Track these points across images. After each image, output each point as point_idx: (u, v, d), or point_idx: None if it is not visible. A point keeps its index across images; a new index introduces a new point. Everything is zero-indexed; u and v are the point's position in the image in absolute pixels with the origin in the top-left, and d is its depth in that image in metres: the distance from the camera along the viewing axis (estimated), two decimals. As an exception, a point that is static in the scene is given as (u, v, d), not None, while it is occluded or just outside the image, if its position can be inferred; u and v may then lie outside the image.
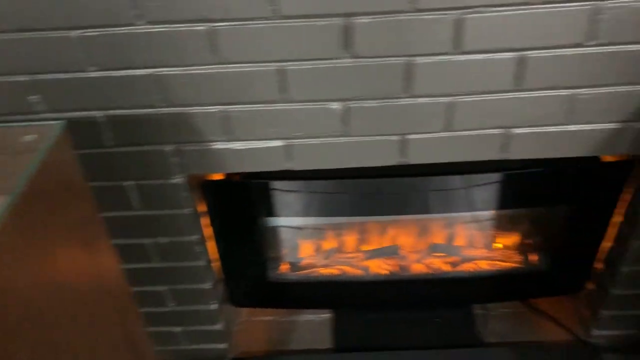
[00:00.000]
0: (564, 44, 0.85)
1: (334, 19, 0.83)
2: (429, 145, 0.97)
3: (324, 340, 1.36)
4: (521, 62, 0.87)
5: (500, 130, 0.95)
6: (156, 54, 0.86)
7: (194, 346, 1.33)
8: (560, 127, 0.95)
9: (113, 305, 0.84)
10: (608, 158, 1.09)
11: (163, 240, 1.11)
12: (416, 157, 0.99)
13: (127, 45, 0.85)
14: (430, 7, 0.82)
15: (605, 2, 0.81)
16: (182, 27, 0.83)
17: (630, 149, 0.97)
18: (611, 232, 1.18)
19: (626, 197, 1.12)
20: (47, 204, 0.64)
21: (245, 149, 0.98)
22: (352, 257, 1.29)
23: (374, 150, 0.97)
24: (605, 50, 0.86)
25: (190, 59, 0.86)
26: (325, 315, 1.41)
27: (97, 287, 0.79)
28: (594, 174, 1.09)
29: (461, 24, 0.83)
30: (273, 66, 0.88)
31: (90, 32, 0.83)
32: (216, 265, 1.25)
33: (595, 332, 1.30)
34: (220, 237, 1.19)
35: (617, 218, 1.16)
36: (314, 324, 1.40)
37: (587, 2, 0.81)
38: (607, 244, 1.21)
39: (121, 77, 0.88)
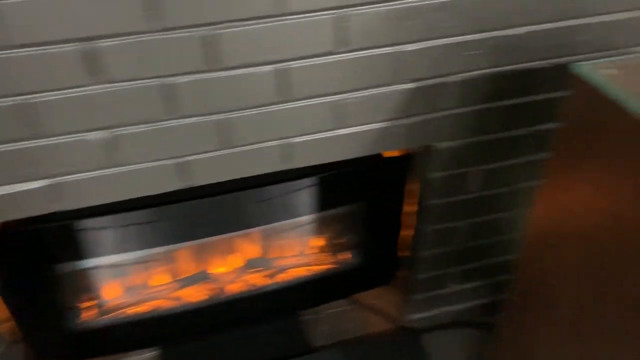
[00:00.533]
0: (318, 53, 0.86)
1: (73, 44, 0.75)
2: (209, 164, 0.94)
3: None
4: (281, 74, 0.87)
5: (278, 141, 0.95)
6: None
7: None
8: (334, 131, 0.97)
9: None
10: (389, 154, 1.15)
11: None
12: (200, 179, 0.95)
13: None
14: (178, 26, 0.78)
15: (349, 9, 0.83)
16: None
17: (403, 144, 1.03)
18: (410, 221, 1.25)
19: (415, 187, 1.20)
20: None
21: (5, 194, 0.87)
22: (164, 290, 1.21)
23: (151, 177, 0.92)
24: (359, 55, 0.89)
25: None
26: (151, 353, 1.32)
27: None
28: (379, 170, 1.14)
29: (214, 40, 0.80)
30: (19, 101, 0.78)
31: None
32: (7, 325, 1.10)
33: (411, 316, 1.37)
34: (9, 293, 1.06)
35: (412, 207, 1.23)
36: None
37: (332, 11, 0.83)
38: (409, 232, 1.28)
39: None
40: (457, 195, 1.15)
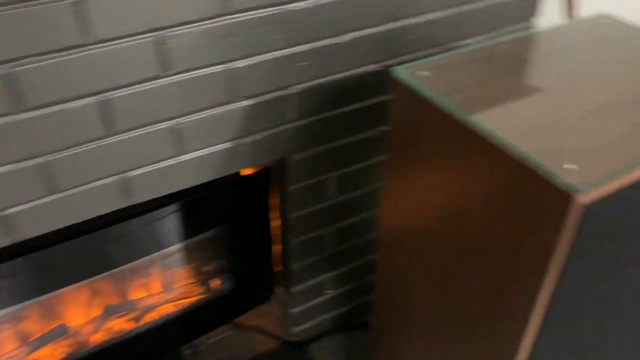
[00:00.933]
0: (141, 79, 0.81)
1: None
2: (36, 215, 0.84)
3: None
4: (104, 105, 0.80)
5: (114, 177, 0.88)
6: None
7: None
8: (175, 159, 0.91)
9: None
10: (246, 171, 1.12)
11: None
12: (28, 232, 0.86)
13: None
14: (-34, 66, 0.69)
15: (165, 31, 0.79)
16: None
17: (250, 162, 1.00)
18: (278, 235, 1.23)
19: (277, 202, 1.18)
20: None
21: None
22: (16, 356, 1.08)
23: (-33, 238, 0.81)
24: (188, 77, 0.85)
25: None
26: None
27: None
28: (237, 189, 1.11)
29: (15, 78, 0.72)
30: None
31: None
32: None
33: (295, 329, 1.36)
34: None
35: (277, 222, 1.21)
36: None
37: (146, 34, 0.78)
38: (278, 247, 1.26)
39: None
40: (318, 203, 1.15)
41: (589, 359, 0.78)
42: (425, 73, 0.70)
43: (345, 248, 1.27)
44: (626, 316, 0.75)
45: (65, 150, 0.81)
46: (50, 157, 0.80)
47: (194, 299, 1.24)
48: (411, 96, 0.68)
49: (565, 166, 0.54)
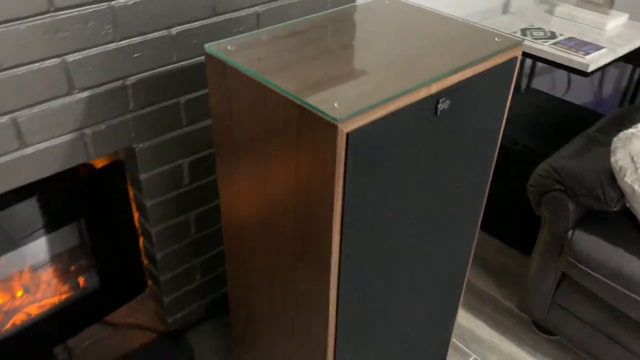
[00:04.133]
0: (-32, 74, 0.85)
1: None
2: None
3: None
4: None
5: (-48, 174, 0.90)
6: None
7: None
8: (15, 153, 0.95)
9: None
10: (100, 164, 1.17)
11: None
12: None
13: None
14: None
15: (-11, 27, 0.84)
16: None
17: (95, 153, 1.05)
18: (139, 225, 1.29)
19: (133, 193, 1.23)
20: None
21: None
22: None
23: None
24: (19, 72, 0.90)
25: None
26: None
27: None
28: (92, 182, 1.16)
29: None
30: None
31: None
32: None
33: (170, 319, 1.41)
34: None
35: (136, 214, 1.27)
36: None
37: (-29, 31, 0.82)
38: (141, 240, 1.31)
39: None
40: (173, 190, 1.22)
41: (385, 268, 0.93)
42: (233, 48, 0.81)
43: (209, 233, 1.35)
44: (407, 231, 0.91)
45: None
46: None
47: (59, 298, 1.26)
48: (221, 67, 0.79)
49: (334, 105, 0.68)
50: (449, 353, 1.44)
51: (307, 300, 0.87)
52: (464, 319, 1.53)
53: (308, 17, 0.96)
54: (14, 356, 1.21)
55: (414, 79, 0.74)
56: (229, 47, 0.82)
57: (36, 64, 0.91)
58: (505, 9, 1.96)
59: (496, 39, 0.87)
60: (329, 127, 0.66)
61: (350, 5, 1.02)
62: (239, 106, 0.81)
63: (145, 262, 1.36)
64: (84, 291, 1.30)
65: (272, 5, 1.17)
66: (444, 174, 0.88)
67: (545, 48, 1.52)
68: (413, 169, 0.81)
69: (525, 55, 1.59)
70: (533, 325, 1.51)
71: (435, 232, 0.96)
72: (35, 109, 0.94)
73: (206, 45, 0.83)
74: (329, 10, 0.99)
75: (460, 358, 1.43)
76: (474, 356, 1.43)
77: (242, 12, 1.13)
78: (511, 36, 0.88)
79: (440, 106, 0.77)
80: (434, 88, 0.75)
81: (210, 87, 0.86)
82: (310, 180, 0.74)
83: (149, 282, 1.41)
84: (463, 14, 1.79)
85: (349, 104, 0.68)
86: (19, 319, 1.21)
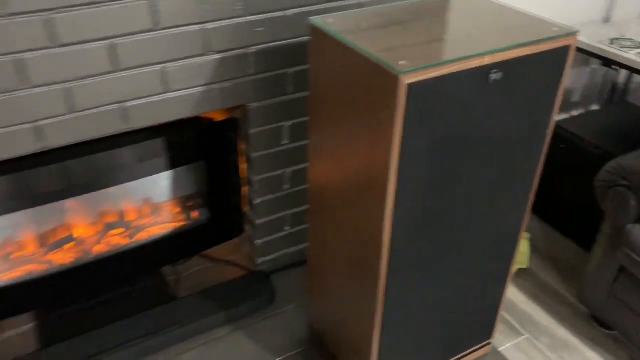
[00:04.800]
0: (138, 30, 1.15)
1: None
2: (60, 127, 1.17)
3: (31, 347, 1.42)
4: (111, 48, 1.14)
5: (116, 105, 1.21)
6: None
7: None
8: (162, 95, 1.24)
9: None
10: (219, 117, 1.45)
11: None
12: (54, 141, 1.18)
13: None
14: (21, 11, 1.02)
15: (157, -3, 1.13)
16: None
17: (219, 105, 1.33)
18: (244, 177, 1.55)
19: (243, 147, 1.50)
20: None
21: None
22: (34, 255, 1.39)
23: (8, 140, 1.13)
24: (172, 32, 1.18)
25: None
26: (27, 327, 1.47)
27: None
28: (212, 131, 1.44)
29: (52, 23, 1.06)
30: None
31: None
32: None
33: (259, 260, 1.66)
34: None
35: (244, 165, 1.54)
36: (19, 339, 1.45)
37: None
38: (246, 188, 1.58)
39: None
40: (275, 147, 1.47)
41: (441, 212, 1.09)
42: (331, 21, 1.04)
43: (300, 190, 1.59)
44: (457, 192, 1.07)
45: (82, 80, 1.14)
46: (72, 84, 1.14)
47: (177, 225, 1.55)
48: (320, 35, 1.01)
49: (400, 62, 0.87)
50: (502, 330, 1.55)
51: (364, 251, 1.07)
52: (524, 303, 1.63)
53: (399, 3, 1.16)
54: (136, 264, 1.52)
55: (472, 51, 0.92)
56: (329, 20, 1.04)
57: (184, 27, 1.19)
58: (606, 21, 2.01)
59: (554, 28, 1.01)
60: (393, 79, 0.86)
61: (436, -2, 1.21)
62: (329, 72, 1.02)
63: (246, 209, 1.62)
64: (195, 224, 1.58)
65: (375, -1, 1.38)
66: (494, 146, 1.04)
67: (629, 56, 1.59)
68: (465, 133, 0.97)
69: (612, 63, 1.66)
70: (592, 319, 1.58)
71: (484, 200, 1.11)
72: (179, 63, 1.23)
73: (311, 18, 1.06)
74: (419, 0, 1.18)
75: (513, 335, 1.53)
76: (527, 335, 1.53)
77: (348, 2, 1.35)
78: (569, 28, 1.01)
79: (493, 76, 0.93)
80: (487, 60, 0.92)
81: (310, 57, 1.08)
82: (377, 134, 0.93)
83: (246, 228, 1.67)
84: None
85: (413, 63, 0.87)
86: (143, 235, 1.52)
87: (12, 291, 1.38)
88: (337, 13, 1.09)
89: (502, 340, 1.52)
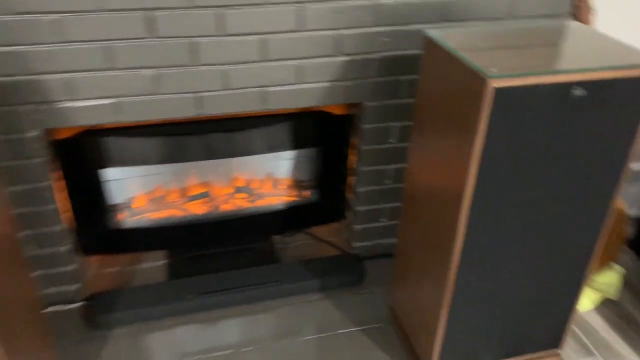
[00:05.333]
0: (285, 30, 1.42)
1: (139, 12, 1.31)
2: (215, 100, 1.47)
3: (161, 278, 1.75)
4: (263, 42, 1.42)
5: (258, 89, 1.49)
6: (17, 35, 1.26)
7: (51, 289, 1.64)
8: (296, 85, 1.51)
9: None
10: (337, 111, 1.69)
11: (19, 188, 1.46)
12: (209, 110, 1.48)
13: (-5, 28, 1.25)
14: (201, 5, 1.34)
15: (305, 3, 1.39)
16: (32, 17, 1.26)
17: (341, 100, 1.56)
18: (352, 167, 1.77)
19: (355, 141, 1.72)
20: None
21: (84, 106, 1.40)
22: (177, 202, 1.72)
23: (178, 105, 1.45)
24: (312, 34, 1.44)
25: (42, 40, 1.28)
26: (160, 262, 1.80)
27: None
28: (330, 122, 1.68)
29: (222, 16, 1.36)
30: (101, 45, 1.33)
31: (-33, 18, 1.22)
32: (69, 215, 1.60)
33: (355, 244, 1.86)
34: (69, 189, 1.56)
35: (354, 157, 1.76)
36: (152, 270, 1.79)
37: (294, 4, 1.39)
38: (352, 178, 1.80)
39: (-11, 51, 1.27)
40: (382, 144, 1.68)
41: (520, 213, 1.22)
42: (443, 34, 1.23)
43: (398, 187, 1.77)
44: (531, 200, 1.18)
45: (236, 64, 1.44)
46: (229, 67, 1.43)
47: (290, 199, 1.81)
48: (431, 45, 1.21)
49: (490, 69, 1.04)
50: (575, 348, 1.60)
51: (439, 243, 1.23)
52: (603, 329, 1.67)
53: (511, 25, 1.32)
54: (255, 226, 1.79)
55: (560, 67, 1.06)
56: (441, 33, 1.23)
57: (321, 31, 1.45)
58: None
59: (646, 58, 1.11)
60: (482, 82, 1.03)
61: (540, 24, 1.35)
62: (434, 80, 1.21)
63: (350, 196, 1.84)
64: (305, 201, 1.83)
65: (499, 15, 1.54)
66: (572, 162, 1.15)
67: None
68: (544, 143, 1.11)
69: None
70: (673, 357, 1.57)
71: (557, 212, 1.22)
72: (313, 60, 1.48)
73: (427, 30, 1.26)
74: (525, 24, 1.33)
75: (585, 355, 1.58)
76: (600, 358, 1.57)
77: (465, 23, 1.53)
78: (662, 59, 1.11)
79: (577, 92, 1.06)
80: (573, 77, 1.05)
81: (420, 65, 1.28)
82: (463, 136, 1.10)
83: (348, 215, 1.88)
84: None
85: (502, 71, 1.03)
86: (262, 202, 1.79)
87: (155, 229, 1.71)
88: (450, 29, 1.28)
89: (572, 356, 1.57)
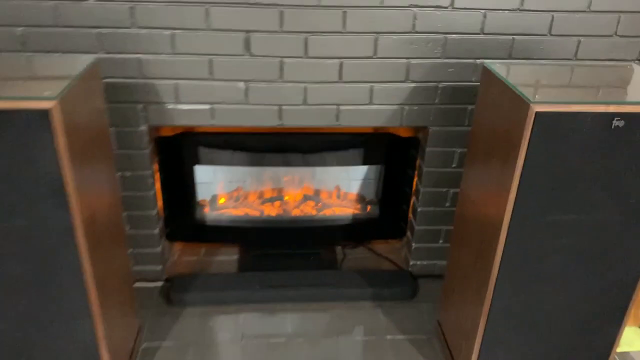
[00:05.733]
0: (362, 56, 1.61)
1: (240, 33, 1.56)
2: (294, 113, 1.68)
3: (232, 270, 1.95)
4: (340, 65, 1.62)
5: (333, 106, 1.68)
6: (140, 46, 1.55)
7: (139, 267, 1.89)
8: (366, 106, 1.68)
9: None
10: (404, 134, 1.84)
11: (127, 174, 1.73)
12: (288, 121, 1.69)
13: (124, 39, 1.54)
14: (289, 30, 1.56)
15: (380, 34, 1.58)
16: (154, 31, 1.54)
17: (407, 123, 1.72)
18: (414, 188, 1.91)
19: (419, 162, 1.86)
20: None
21: (187, 109, 1.65)
22: (253, 203, 1.93)
23: (263, 115, 1.67)
24: (384, 62, 1.62)
25: (158, 50, 1.56)
26: (232, 256, 2.02)
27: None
28: (396, 144, 1.83)
29: (307, 42, 1.58)
30: (205, 58, 1.59)
31: (105, 31, 1.52)
32: (160, 204, 1.86)
33: (412, 262, 1.97)
34: (163, 181, 1.82)
35: (416, 178, 1.89)
36: (225, 261, 2.00)
37: (371, 34, 1.58)
38: (413, 198, 1.93)
39: (113, 57, 1.56)
40: (443, 167, 1.80)
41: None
42: (500, 65, 1.36)
43: (458, 210, 1.88)
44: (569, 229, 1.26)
45: (316, 83, 1.64)
46: (308, 85, 1.64)
47: (354, 212, 1.97)
48: (488, 76, 1.34)
49: (536, 96, 1.15)
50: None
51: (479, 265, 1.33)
52: (653, 372, 1.65)
53: (574, 67, 1.42)
54: (318, 233, 1.96)
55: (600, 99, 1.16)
56: (498, 65, 1.37)
57: (393, 59, 1.62)
58: None
59: (691, 97, 1.18)
60: (526, 107, 1.15)
61: (604, 67, 1.44)
62: (488, 109, 1.34)
63: (410, 216, 1.97)
64: (368, 216, 1.98)
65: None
66: (611, 191, 1.23)
67: None
68: (582, 169, 1.20)
69: None
70: None
71: (598, 238, 1.29)
72: (383, 85, 1.66)
73: (486, 61, 1.40)
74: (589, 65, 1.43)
75: (631, 393, 1.58)
76: (644, 398, 1.56)
77: (529, 60, 1.65)
78: None
79: (615, 123, 1.15)
80: (612, 108, 1.15)
81: (478, 94, 1.41)
82: (508, 159, 1.22)
83: (407, 234, 2.01)
84: None
85: (547, 99, 1.15)
86: (328, 212, 1.96)
87: (232, 225, 1.93)
88: (508, 61, 1.41)
89: (615, 391, 1.58)
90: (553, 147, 1.17)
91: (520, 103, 1.18)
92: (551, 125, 1.15)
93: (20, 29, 1.50)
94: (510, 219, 1.24)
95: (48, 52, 1.53)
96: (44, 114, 1.05)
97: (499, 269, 1.31)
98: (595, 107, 1.15)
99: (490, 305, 1.36)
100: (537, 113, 1.14)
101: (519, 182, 1.20)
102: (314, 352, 1.67)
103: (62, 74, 1.25)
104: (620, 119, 1.16)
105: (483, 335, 1.42)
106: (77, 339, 1.30)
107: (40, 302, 1.24)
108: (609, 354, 1.48)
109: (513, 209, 1.23)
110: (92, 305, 1.26)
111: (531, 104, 1.14)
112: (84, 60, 1.31)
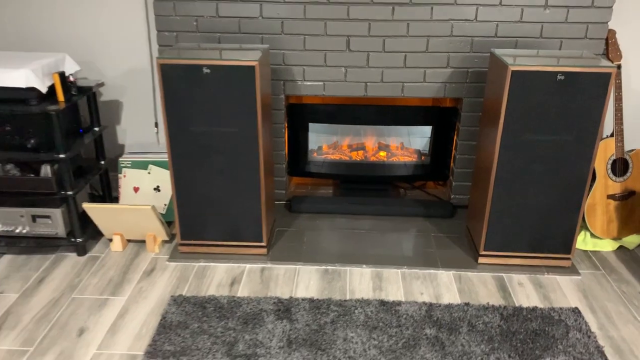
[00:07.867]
0: (418, 51, 2.58)
1: (343, 37, 2.57)
2: (375, 88, 2.66)
3: (329, 195, 2.93)
4: (405, 57, 2.59)
5: (400, 83, 2.65)
6: (284, 45, 2.60)
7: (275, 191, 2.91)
8: (421, 83, 2.64)
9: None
10: (448, 104, 2.78)
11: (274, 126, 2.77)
12: (371, 93, 2.68)
13: (276, 41, 2.60)
14: (373, 34, 2.56)
15: (431, 37, 2.55)
16: (293, 36, 2.59)
17: (449, 94, 2.65)
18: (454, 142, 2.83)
19: (457, 125, 2.78)
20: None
21: (309, 84, 2.68)
22: (345, 150, 2.92)
23: (355, 88, 2.67)
24: (433, 54, 2.58)
25: (294, 47, 2.60)
26: (330, 188, 3.00)
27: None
28: (442, 112, 2.77)
29: (384, 42, 2.57)
30: (322, 53, 2.62)
31: (266, 36, 2.60)
32: (286, 150, 2.88)
33: (452, 196, 2.87)
34: (288, 133, 2.85)
35: (455, 137, 2.81)
36: (324, 190, 2.98)
37: (424, 36, 2.55)
38: (453, 151, 2.84)
39: (269, 53, 2.62)
40: (474, 126, 2.71)
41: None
42: (506, 52, 2.28)
43: (484, 157, 2.77)
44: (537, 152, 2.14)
45: (390, 68, 2.63)
46: (384, 69, 2.62)
47: (412, 159, 2.90)
48: (493, 58, 2.27)
49: (515, 62, 2.07)
50: (586, 263, 2.41)
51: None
52: (612, 259, 2.44)
53: (556, 53, 2.33)
54: (388, 174, 2.91)
55: (554, 63, 2.06)
56: (499, 50, 2.29)
57: (438, 53, 2.58)
58: None
59: (601, 63, 2.06)
60: (506, 67, 2.06)
61: (574, 54, 2.32)
62: (492, 83, 2.26)
63: (451, 165, 2.88)
64: (422, 163, 2.91)
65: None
66: (563, 124, 2.10)
67: None
68: (544, 109, 2.08)
69: None
70: (659, 279, 2.30)
71: (559, 152, 2.15)
72: (432, 69, 2.61)
73: (492, 49, 2.32)
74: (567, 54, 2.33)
75: (591, 266, 2.38)
76: (602, 271, 2.36)
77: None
78: (614, 66, 2.04)
79: (559, 77, 2.05)
80: (557, 69, 2.04)
81: (488, 72, 2.33)
82: (497, 111, 2.13)
83: (450, 178, 2.91)
84: None
85: (519, 64, 2.07)
86: (394, 159, 2.91)
87: (330, 165, 2.92)
88: (507, 50, 2.33)
89: (581, 264, 2.39)
90: (523, 93, 2.08)
91: (504, 66, 2.10)
92: (522, 78, 2.07)
93: (217, 35, 2.60)
94: (500, 140, 2.14)
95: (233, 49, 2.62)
96: (252, 68, 2.10)
97: (494, 180, 2.20)
98: (547, 68, 2.05)
99: (491, 205, 2.25)
100: (512, 71, 2.06)
101: (504, 113, 2.11)
102: (383, 238, 2.60)
103: (251, 57, 2.31)
104: (562, 75, 2.05)
105: (487, 225, 2.30)
106: (253, 212, 2.32)
107: (236, 185, 2.27)
108: (573, 233, 2.32)
109: (502, 131, 2.13)
110: (260, 195, 2.28)
111: (509, 66, 2.06)
112: (260, 49, 2.37)
